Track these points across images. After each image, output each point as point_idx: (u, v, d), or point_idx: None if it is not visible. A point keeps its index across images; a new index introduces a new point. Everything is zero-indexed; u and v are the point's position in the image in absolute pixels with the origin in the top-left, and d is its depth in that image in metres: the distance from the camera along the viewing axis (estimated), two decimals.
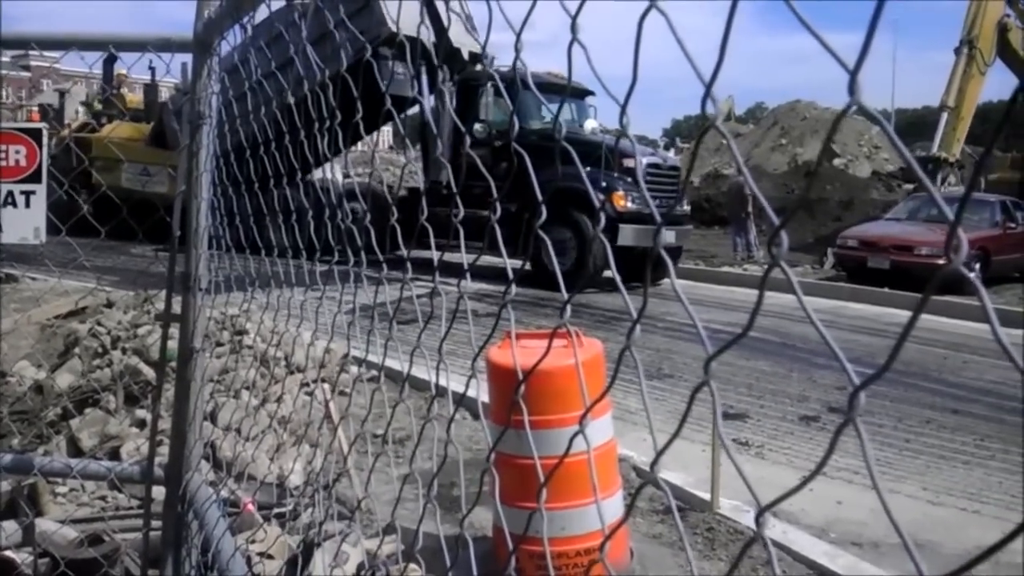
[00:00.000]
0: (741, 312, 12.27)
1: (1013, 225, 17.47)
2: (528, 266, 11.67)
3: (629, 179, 14.24)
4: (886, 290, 14.98)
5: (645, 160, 14.94)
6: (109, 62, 10.73)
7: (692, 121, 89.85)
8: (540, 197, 0.97)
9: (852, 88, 0.54)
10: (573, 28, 0.84)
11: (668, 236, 14.87)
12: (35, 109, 23.93)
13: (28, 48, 3.26)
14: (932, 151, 21.76)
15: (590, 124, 16.03)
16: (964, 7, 21.52)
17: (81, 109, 23.75)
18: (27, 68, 58.60)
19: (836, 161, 32.29)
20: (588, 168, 13.34)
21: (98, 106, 22.34)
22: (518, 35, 0.97)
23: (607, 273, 14.06)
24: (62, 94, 24.27)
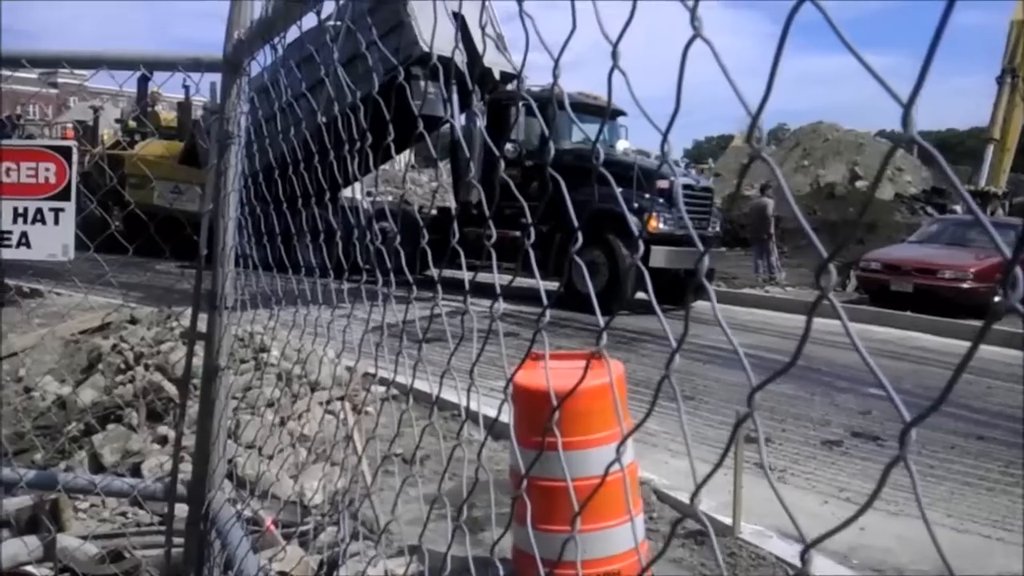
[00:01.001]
0: (764, 335, 12.21)
1: None
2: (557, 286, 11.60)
3: (662, 200, 14.13)
4: (909, 313, 14.86)
5: (678, 182, 14.83)
6: (143, 80, 10.84)
7: (714, 142, 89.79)
8: (576, 222, 0.97)
9: (906, 121, 0.54)
10: (614, 55, 0.84)
11: None
12: (69, 126, 24.19)
13: (59, 66, 3.30)
14: (980, 185, 21.60)
15: (622, 144, 15.92)
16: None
17: (114, 127, 24.00)
18: (55, 85, 59.27)
19: (859, 183, 32.18)
20: (620, 189, 13.22)
21: (132, 124, 22.60)
22: (556, 61, 0.97)
23: (639, 295, 13.98)
24: (96, 111, 24.52)
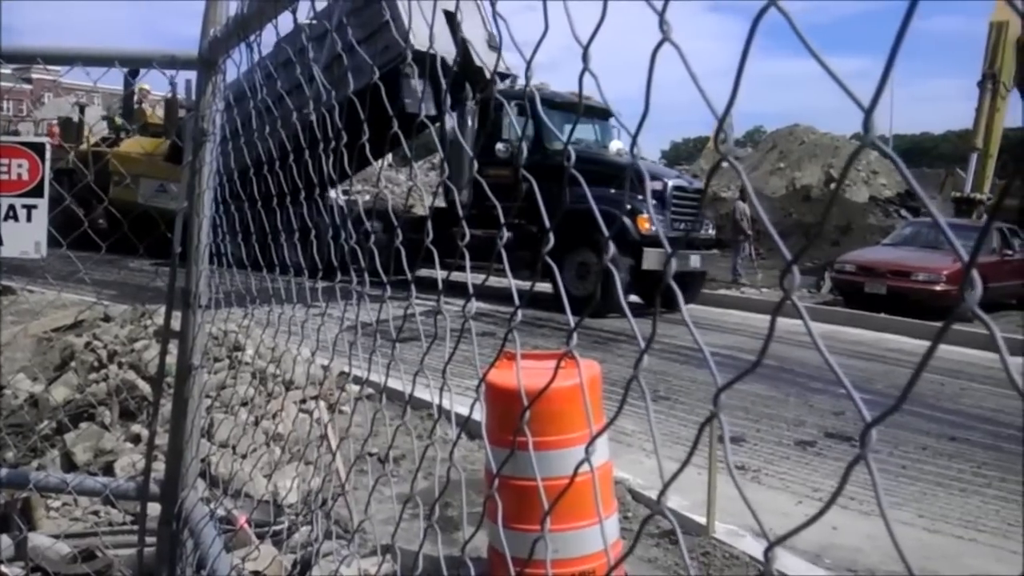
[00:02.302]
0: (739, 335, 12.27)
1: (1010, 252, 17.48)
2: (549, 287, 11.60)
3: (655, 202, 14.04)
4: (883, 315, 14.99)
5: (671, 182, 14.61)
6: (131, 76, 10.76)
7: (691, 144, 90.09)
8: (548, 223, 0.97)
9: (867, 126, 0.54)
10: (584, 57, 0.84)
11: (693, 260, 14.74)
12: (54, 123, 23.85)
13: (34, 62, 3.27)
14: (966, 192, 21.75)
15: (615, 145, 15.67)
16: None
17: (89, 123, 23.76)
18: (29, 81, 58.68)
19: (834, 186, 32.38)
20: (613, 191, 13.02)
21: (119, 120, 22.40)
22: (528, 62, 0.98)
23: (631, 298, 13.95)
24: (82, 108, 24.25)
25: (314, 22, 1.99)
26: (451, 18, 12.03)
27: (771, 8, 0.61)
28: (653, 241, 13.39)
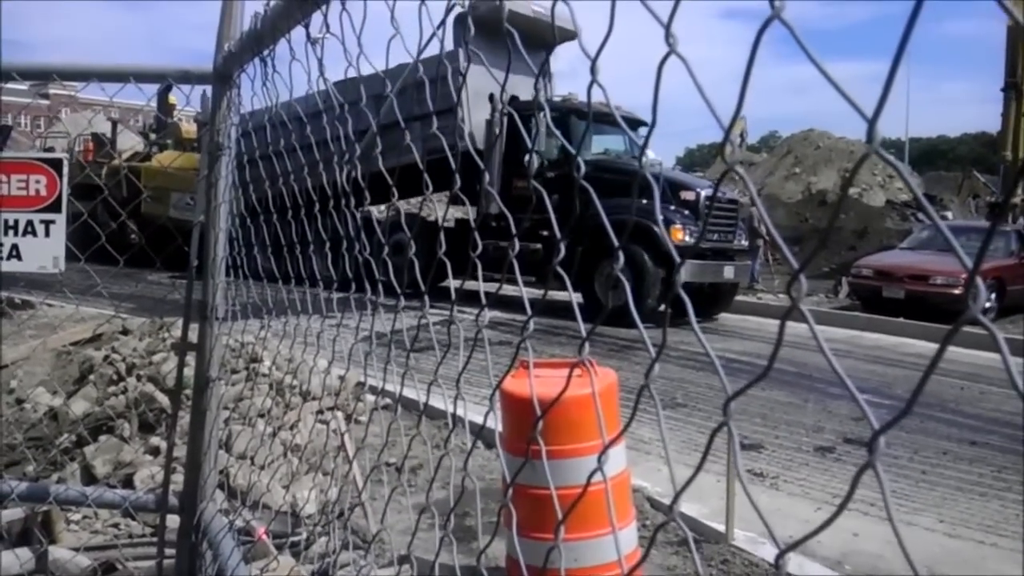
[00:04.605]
0: (755, 341, 12.24)
1: None
2: (580, 298, 11.49)
3: (687, 212, 13.99)
4: (901, 320, 14.90)
5: (704, 192, 14.43)
6: (163, 92, 10.88)
7: (705, 150, 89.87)
8: (559, 234, 0.98)
9: (870, 136, 0.55)
10: (593, 70, 0.85)
11: (727, 271, 14.68)
12: (89, 138, 24.15)
13: (50, 78, 3.30)
14: (998, 198, 21.79)
15: (645, 155, 15.63)
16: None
17: (119, 133, 24.04)
18: (46, 96, 59.09)
19: (851, 190, 32.24)
20: (644, 201, 12.95)
21: (152, 135, 22.71)
22: (538, 75, 0.98)
23: (660, 308, 13.93)
24: (114, 124, 24.51)
25: (327, 34, 1.99)
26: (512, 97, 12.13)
27: (784, 12, 0.62)
28: (686, 252, 13.23)
